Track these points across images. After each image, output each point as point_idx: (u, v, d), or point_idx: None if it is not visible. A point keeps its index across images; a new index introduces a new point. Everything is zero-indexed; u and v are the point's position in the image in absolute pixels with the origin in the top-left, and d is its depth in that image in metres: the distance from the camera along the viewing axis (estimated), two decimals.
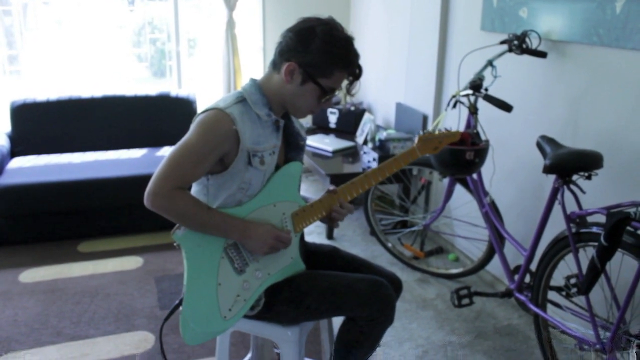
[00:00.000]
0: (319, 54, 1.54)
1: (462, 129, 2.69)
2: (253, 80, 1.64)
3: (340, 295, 1.63)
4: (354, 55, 1.59)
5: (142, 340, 2.49)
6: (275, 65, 1.61)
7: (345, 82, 1.64)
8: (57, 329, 2.56)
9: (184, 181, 1.51)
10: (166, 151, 3.93)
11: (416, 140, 1.80)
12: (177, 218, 1.51)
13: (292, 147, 1.71)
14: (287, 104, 1.62)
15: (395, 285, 1.82)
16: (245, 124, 1.54)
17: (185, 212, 1.50)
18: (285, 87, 1.59)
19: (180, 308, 1.59)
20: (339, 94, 4.43)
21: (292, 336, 1.68)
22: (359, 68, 1.61)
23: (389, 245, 3.29)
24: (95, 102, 3.97)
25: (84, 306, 2.75)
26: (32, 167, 3.53)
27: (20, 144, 3.84)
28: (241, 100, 1.58)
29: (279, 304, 1.66)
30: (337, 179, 3.40)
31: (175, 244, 1.57)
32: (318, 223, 2.87)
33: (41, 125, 3.86)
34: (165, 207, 1.49)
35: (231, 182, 1.57)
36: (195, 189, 1.66)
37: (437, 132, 1.83)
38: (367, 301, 1.62)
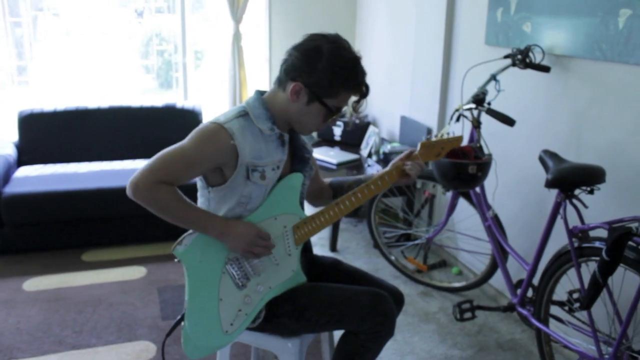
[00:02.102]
0: (326, 75, 1.53)
1: (465, 142, 2.70)
2: (258, 94, 1.64)
3: (341, 308, 1.63)
4: (361, 75, 1.58)
5: (144, 350, 2.49)
6: (280, 82, 1.60)
7: (352, 99, 1.65)
8: (60, 337, 2.57)
9: (170, 178, 1.50)
10: None
11: (419, 147, 1.80)
12: (158, 210, 1.50)
13: (297, 160, 1.70)
14: (293, 121, 1.62)
15: (397, 299, 1.82)
16: (245, 139, 1.54)
17: (166, 205, 1.49)
18: (291, 106, 1.59)
19: (182, 323, 1.60)
20: (345, 108, 4.45)
21: (293, 348, 1.68)
22: (366, 87, 1.60)
23: (392, 258, 3.29)
24: (101, 113, 4.00)
25: (87, 315, 2.76)
26: (39, 176, 3.56)
27: (27, 154, 3.88)
28: (243, 114, 1.58)
29: (280, 317, 1.66)
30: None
31: (176, 260, 1.58)
32: (321, 235, 2.87)
33: (48, 135, 3.90)
34: (146, 198, 1.48)
35: (231, 196, 1.58)
36: (199, 202, 1.66)
37: (437, 139, 1.82)
38: (367, 314, 1.62)
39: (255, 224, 1.61)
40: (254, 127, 1.57)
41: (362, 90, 1.60)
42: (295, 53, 1.56)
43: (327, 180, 1.90)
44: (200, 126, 1.56)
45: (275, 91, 1.63)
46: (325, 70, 1.52)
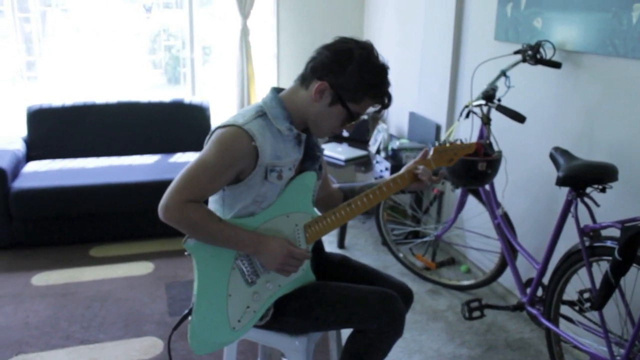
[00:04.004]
0: (353, 78, 1.51)
1: (474, 139, 2.67)
2: (274, 93, 1.61)
3: (350, 307, 1.61)
4: (387, 85, 1.57)
5: (151, 346, 2.49)
6: (304, 80, 1.58)
7: (371, 109, 1.63)
8: (67, 332, 2.58)
9: (198, 195, 1.49)
10: (179, 157, 3.95)
11: (431, 152, 1.77)
12: (189, 230, 1.50)
13: (307, 158, 1.68)
14: (310, 122, 1.60)
15: (406, 296, 1.80)
16: (265, 139, 1.52)
17: (196, 223, 1.48)
18: (312, 105, 1.57)
19: (190, 317, 1.59)
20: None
21: (300, 346, 1.67)
22: (389, 98, 1.59)
23: (401, 255, 3.27)
24: (109, 108, 4.01)
25: (94, 311, 2.77)
26: (47, 171, 3.57)
27: (36, 149, 3.89)
28: (261, 114, 1.56)
29: (288, 315, 1.65)
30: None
31: (186, 254, 1.57)
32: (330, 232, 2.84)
33: (56, 130, 3.91)
34: (177, 219, 1.48)
35: (247, 194, 1.56)
36: (211, 199, 1.65)
37: (451, 144, 1.80)
38: (376, 314, 1.60)
39: (286, 237, 1.60)
40: (272, 127, 1.55)
41: (385, 101, 1.59)
42: (325, 52, 1.54)
43: (336, 185, 1.88)
44: (218, 132, 1.52)
45: (296, 89, 1.60)
46: (353, 74, 1.51)
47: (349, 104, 1.55)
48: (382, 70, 1.55)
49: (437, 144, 1.80)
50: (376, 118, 4.25)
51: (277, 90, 1.63)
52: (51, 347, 2.47)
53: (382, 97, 1.57)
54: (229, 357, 1.85)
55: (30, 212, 3.36)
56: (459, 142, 1.80)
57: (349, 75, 1.51)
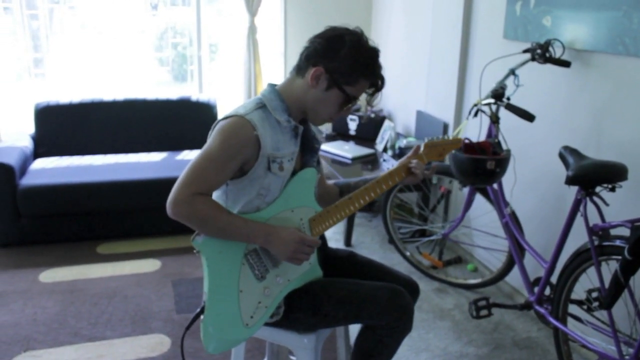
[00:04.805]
0: (346, 61, 1.55)
1: (483, 138, 2.66)
2: (271, 87, 1.64)
3: (358, 303, 1.62)
4: (379, 67, 1.61)
5: (158, 343, 2.50)
6: (299, 69, 1.61)
7: (365, 95, 1.66)
8: (75, 329, 2.59)
9: (205, 188, 1.50)
10: (186, 155, 3.96)
11: (422, 146, 1.80)
12: (199, 224, 1.50)
13: (307, 151, 1.71)
14: (308, 109, 1.63)
15: (412, 289, 1.81)
16: (265, 130, 1.54)
17: (206, 216, 1.49)
18: (309, 92, 1.60)
19: (201, 317, 1.59)
20: (359, 103, 4.42)
21: (309, 344, 1.68)
22: (382, 80, 1.63)
23: (407, 253, 3.27)
24: (117, 105, 4.02)
25: (102, 307, 2.78)
26: (55, 168, 3.58)
27: (44, 146, 3.90)
28: (261, 106, 1.59)
29: (297, 312, 1.65)
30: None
31: (195, 251, 1.57)
32: (336, 229, 2.86)
33: (64, 127, 3.92)
34: (186, 213, 1.48)
35: (250, 188, 1.57)
36: (215, 194, 1.65)
37: (440, 139, 1.85)
38: (385, 310, 1.61)
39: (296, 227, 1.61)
40: (271, 118, 1.58)
41: (379, 83, 1.63)
42: (317, 40, 1.59)
43: (332, 181, 1.91)
44: (221, 124, 1.55)
45: (292, 79, 1.63)
46: (346, 57, 1.55)
47: (345, 87, 1.58)
48: (373, 53, 1.59)
49: (426, 139, 1.83)
50: (370, 102, 4.24)
51: (274, 86, 1.66)
52: (59, 343, 2.48)
53: (377, 78, 1.61)
54: (237, 355, 1.86)
55: (38, 209, 3.37)
56: (447, 138, 1.86)
57: (342, 58, 1.55)
